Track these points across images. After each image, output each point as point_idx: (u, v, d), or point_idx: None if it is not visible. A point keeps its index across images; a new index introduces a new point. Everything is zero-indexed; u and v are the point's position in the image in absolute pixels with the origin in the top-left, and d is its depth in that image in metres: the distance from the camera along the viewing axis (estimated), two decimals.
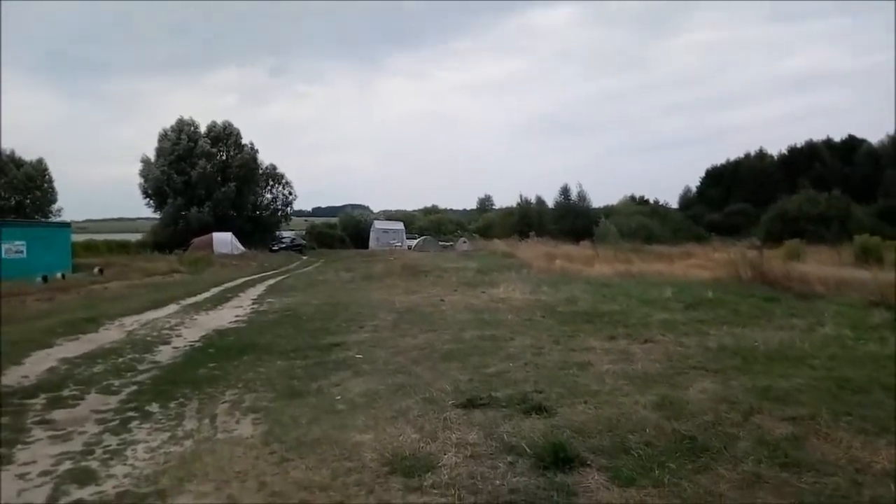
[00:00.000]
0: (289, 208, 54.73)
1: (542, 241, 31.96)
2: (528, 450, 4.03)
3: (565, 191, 56.40)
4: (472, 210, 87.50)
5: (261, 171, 50.89)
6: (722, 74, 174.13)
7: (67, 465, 4.15)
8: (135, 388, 6.24)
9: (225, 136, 48.32)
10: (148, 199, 47.37)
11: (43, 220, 35.36)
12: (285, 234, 55.24)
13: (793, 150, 61.57)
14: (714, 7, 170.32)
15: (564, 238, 41.44)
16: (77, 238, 33.28)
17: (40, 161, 38.76)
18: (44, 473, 4.00)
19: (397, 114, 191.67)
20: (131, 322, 10.94)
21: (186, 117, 47.64)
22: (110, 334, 9.63)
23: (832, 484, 3.52)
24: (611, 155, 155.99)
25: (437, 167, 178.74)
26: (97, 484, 3.83)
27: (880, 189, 49.60)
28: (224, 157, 47.85)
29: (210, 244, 39.41)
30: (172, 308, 13.14)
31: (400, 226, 55.90)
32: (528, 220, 52.89)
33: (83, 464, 4.17)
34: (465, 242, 46.67)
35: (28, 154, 38.61)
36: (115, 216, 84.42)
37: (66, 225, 31.56)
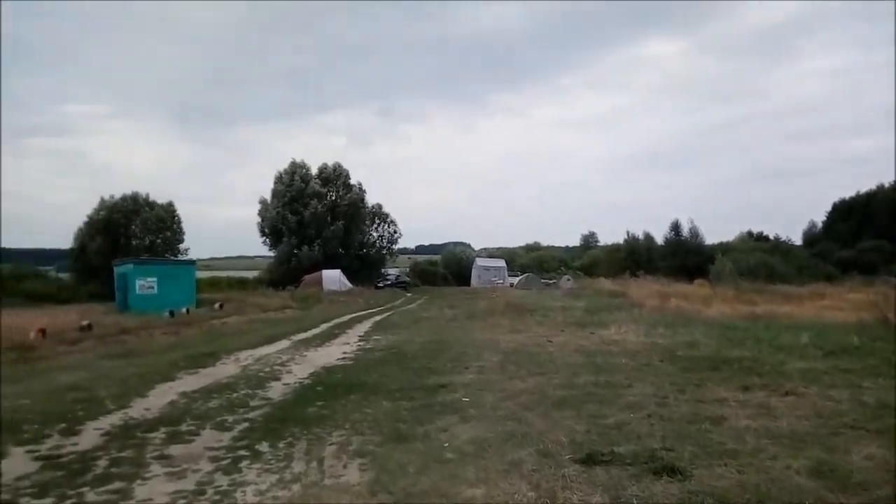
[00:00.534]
0: (394, 246, 56.18)
1: (653, 280, 30.40)
2: None
3: (676, 226, 53.75)
4: (574, 247, 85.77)
5: (367, 210, 52.71)
6: (848, 100, 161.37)
7: None
8: (246, 424, 6.29)
9: (334, 177, 50.66)
10: (265, 238, 50.37)
11: (172, 258, 38.28)
12: (390, 271, 56.52)
13: None
14: (836, 28, 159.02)
15: (675, 276, 39.34)
16: (201, 275, 35.71)
17: (170, 203, 42.27)
18: None
19: (498, 151, 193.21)
20: (246, 357, 11.32)
21: (299, 160, 50.55)
22: (227, 369, 9.97)
23: None
24: (723, 187, 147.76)
25: (539, 204, 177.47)
26: None
27: None
28: (333, 198, 50.09)
29: (319, 281, 41.03)
30: (284, 344, 13.53)
31: (502, 263, 55.64)
32: (635, 257, 50.81)
33: None
34: (568, 280, 45.50)
35: (160, 197, 42.26)
36: (236, 254, 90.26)
37: (192, 263, 34.00)
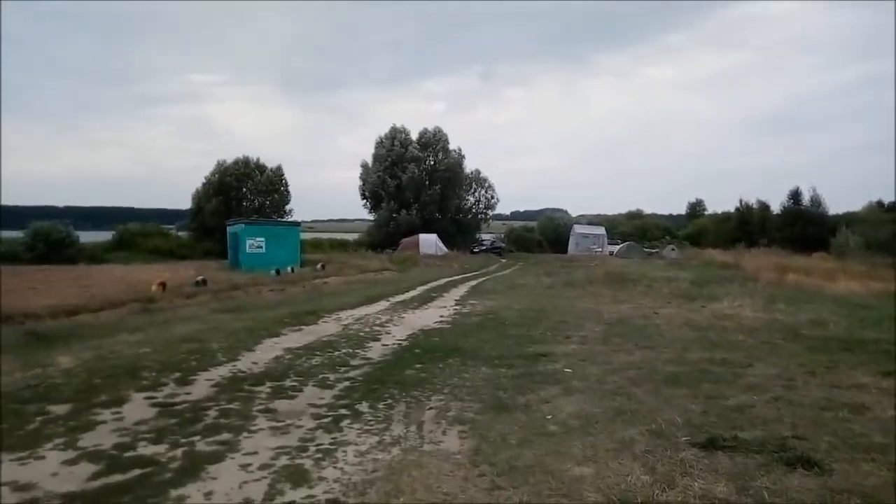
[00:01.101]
0: (490, 211, 55.87)
1: (769, 251, 28.21)
2: None
3: (795, 194, 49.48)
4: (679, 215, 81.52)
5: (465, 175, 52.57)
6: None
7: (284, 460, 4.15)
8: (347, 383, 6.33)
9: (434, 141, 50.75)
10: (365, 202, 51.62)
11: (278, 219, 40.10)
12: (485, 236, 56.40)
13: None
14: None
15: (791, 248, 36.43)
16: (304, 236, 37.16)
17: (279, 167, 44.14)
18: (263, 467, 4.03)
19: (601, 114, 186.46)
20: (347, 316, 11.55)
21: (399, 125, 51.01)
22: (328, 327, 10.19)
23: None
24: (851, 154, 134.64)
25: (643, 169, 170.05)
26: (309, 486, 3.74)
27: None
28: (432, 162, 50.28)
29: (417, 245, 41.62)
30: (383, 305, 13.72)
31: (601, 230, 53.93)
32: (748, 227, 47.58)
33: (297, 461, 4.15)
34: (673, 250, 43.40)
35: (269, 161, 44.18)
36: (337, 217, 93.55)
37: (296, 224, 35.42)
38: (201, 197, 41.93)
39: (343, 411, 5.34)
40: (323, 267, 26.94)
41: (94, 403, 5.41)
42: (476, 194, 54.45)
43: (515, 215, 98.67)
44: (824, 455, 4.09)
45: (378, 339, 9.06)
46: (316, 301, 14.62)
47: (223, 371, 6.81)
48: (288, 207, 43.98)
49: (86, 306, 13.10)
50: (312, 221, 76.42)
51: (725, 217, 56.22)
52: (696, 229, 59.99)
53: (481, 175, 54.15)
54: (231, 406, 5.43)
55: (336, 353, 8.00)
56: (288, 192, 44.25)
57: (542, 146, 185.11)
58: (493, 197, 54.73)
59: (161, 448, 4.36)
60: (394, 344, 8.71)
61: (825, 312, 11.35)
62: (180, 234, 45.96)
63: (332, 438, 4.62)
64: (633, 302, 13.91)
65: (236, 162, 42.70)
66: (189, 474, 3.89)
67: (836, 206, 55.41)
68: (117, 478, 3.84)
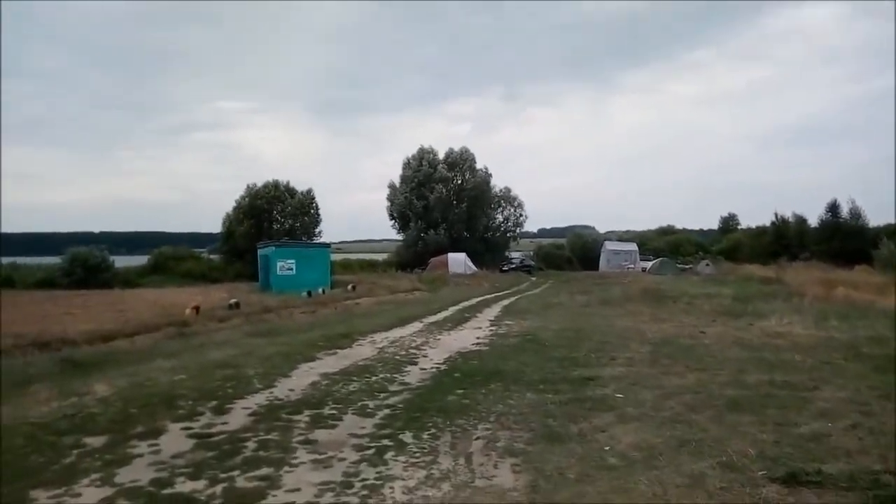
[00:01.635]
0: (518, 229, 55.51)
1: (811, 265, 27.28)
2: None
3: (833, 206, 48.15)
4: (710, 230, 79.92)
5: (494, 194, 52.40)
6: None
7: (329, 498, 3.89)
8: (387, 411, 6.06)
9: (461, 161, 50.77)
10: (393, 222, 51.75)
11: (309, 241, 40.31)
12: (514, 254, 55.97)
13: None
14: None
15: (831, 262, 35.23)
16: (334, 257, 37.25)
17: (309, 190, 44.55)
18: None
19: (627, 131, 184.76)
20: (381, 339, 11.31)
21: (427, 146, 51.18)
22: (363, 350, 9.97)
23: None
24: (880, 166, 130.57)
25: (672, 185, 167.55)
26: None
27: None
28: (459, 182, 50.23)
29: (445, 264, 41.40)
30: (416, 326, 13.46)
31: (633, 247, 53.12)
32: (784, 241, 46.34)
33: (343, 499, 3.88)
34: (707, 265, 42.37)
35: (297, 184, 44.59)
36: (364, 238, 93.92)
37: (326, 246, 35.56)
38: (232, 220, 42.41)
39: (386, 442, 5.07)
40: (354, 288, 26.87)
41: (130, 435, 5.23)
42: (505, 212, 54.20)
43: (542, 233, 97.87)
44: None
45: (415, 363, 8.79)
46: (348, 323, 14.43)
47: (260, 399, 6.60)
48: (318, 230, 44.28)
49: (121, 331, 13.12)
50: (340, 242, 76.87)
51: (760, 231, 54.90)
52: (731, 244, 58.64)
53: (511, 193, 53.95)
54: (270, 437, 5.20)
55: (373, 377, 7.75)
56: (318, 214, 44.59)
57: (567, 164, 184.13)
58: (521, 215, 54.46)
59: (200, 484, 4.13)
60: (432, 368, 8.43)
61: (881, 329, 10.76)
62: (212, 257, 46.53)
63: (378, 473, 4.35)
64: (675, 320, 13.41)
65: (266, 185, 43.18)
66: None
67: (877, 217, 53.50)
68: None
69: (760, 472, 4.08)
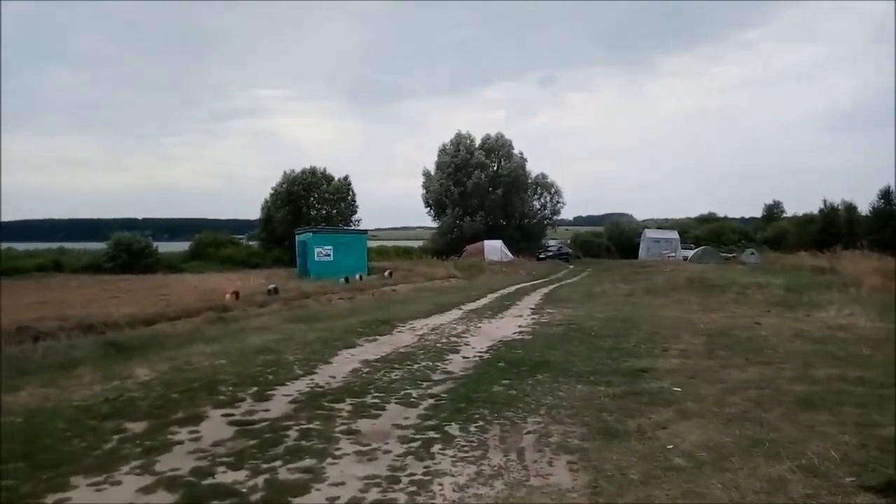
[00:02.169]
0: (555, 216, 54.71)
1: (866, 255, 26.05)
2: None
3: (886, 194, 45.98)
4: (753, 218, 77.46)
5: (530, 180, 51.65)
6: None
7: (375, 494, 3.67)
8: (431, 401, 5.82)
9: (497, 146, 50.07)
10: (429, 209, 51.40)
11: (346, 227, 40.40)
12: (551, 242, 55.24)
13: None
14: None
15: (884, 251, 33.63)
16: (370, 244, 37.26)
17: (346, 177, 44.60)
18: (353, 503, 3.55)
19: (667, 116, 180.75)
20: (420, 326, 11.10)
21: (464, 131, 50.56)
22: (403, 337, 9.76)
23: None
24: None
25: (713, 171, 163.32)
26: None
27: None
28: (495, 168, 49.57)
29: (482, 251, 41.01)
30: (456, 313, 13.21)
31: (674, 235, 51.74)
32: (834, 229, 44.50)
33: (391, 495, 3.65)
34: (752, 254, 41.04)
35: (334, 170, 44.71)
36: (400, 225, 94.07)
37: (363, 232, 35.58)
38: (270, 207, 42.81)
39: (432, 434, 4.82)
40: (390, 274, 26.79)
41: (171, 420, 5.11)
42: (541, 199, 53.40)
43: (578, 220, 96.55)
44: None
45: (457, 351, 8.53)
46: (386, 309, 14.28)
47: (300, 385, 6.44)
48: (354, 217, 44.36)
49: (163, 315, 13.23)
50: (375, 230, 77.11)
51: (808, 219, 52.82)
52: (776, 232, 56.73)
53: (548, 180, 53.11)
54: (312, 426, 5.00)
55: (415, 365, 7.52)
56: (355, 201, 44.65)
57: (604, 150, 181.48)
58: (558, 202, 53.60)
59: (241, 475, 3.95)
60: (475, 356, 8.16)
61: None
62: (251, 243, 47.12)
63: (425, 467, 4.11)
64: (727, 310, 12.83)
65: (303, 172, 43.39)
66: None
67: None
68: None
69: (849, 479, 3.69)
